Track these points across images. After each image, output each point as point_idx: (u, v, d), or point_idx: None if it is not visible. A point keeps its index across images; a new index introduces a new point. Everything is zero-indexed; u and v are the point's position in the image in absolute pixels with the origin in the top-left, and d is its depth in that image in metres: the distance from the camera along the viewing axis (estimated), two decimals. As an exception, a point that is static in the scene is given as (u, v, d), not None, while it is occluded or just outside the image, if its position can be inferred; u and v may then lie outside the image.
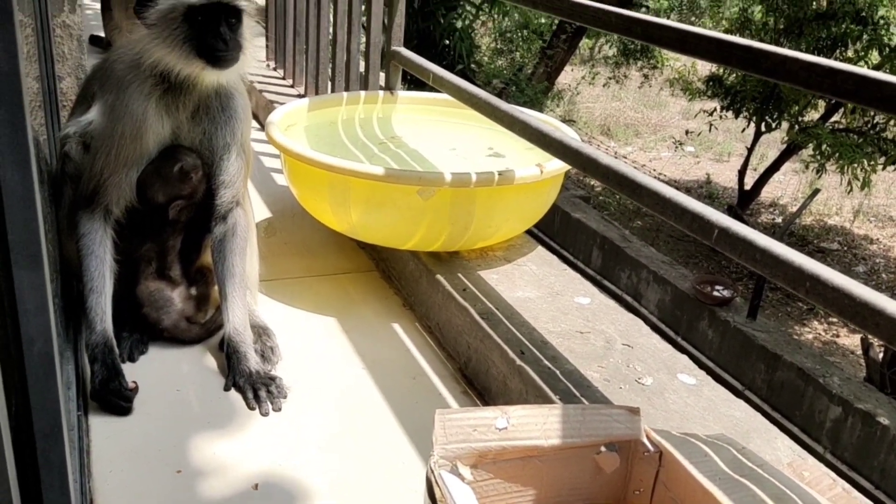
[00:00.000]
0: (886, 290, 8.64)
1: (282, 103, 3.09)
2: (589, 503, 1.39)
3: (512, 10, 11.24)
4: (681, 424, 1.65)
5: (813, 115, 10.19)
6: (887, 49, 9.21)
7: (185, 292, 2.08)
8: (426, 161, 2.77)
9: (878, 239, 10.85)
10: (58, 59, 2.66)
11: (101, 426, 1.76)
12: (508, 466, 1.33)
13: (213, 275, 2.08)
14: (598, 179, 1.85)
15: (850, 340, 8.24)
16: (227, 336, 1.97)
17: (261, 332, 2.08)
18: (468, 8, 9.88)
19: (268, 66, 4.63)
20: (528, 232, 2.62)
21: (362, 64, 3.44)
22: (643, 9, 14.19)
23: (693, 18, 16.49)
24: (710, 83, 10.55)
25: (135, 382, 1.85)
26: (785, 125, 9.84)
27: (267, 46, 4.70)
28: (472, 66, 9.78)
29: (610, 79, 14.75)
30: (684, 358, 1.95)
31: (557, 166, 2.31)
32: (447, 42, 9.34)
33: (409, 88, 4.22)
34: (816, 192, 7.45)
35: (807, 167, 9.92)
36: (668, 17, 16.60)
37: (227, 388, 1.92)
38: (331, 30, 3.71)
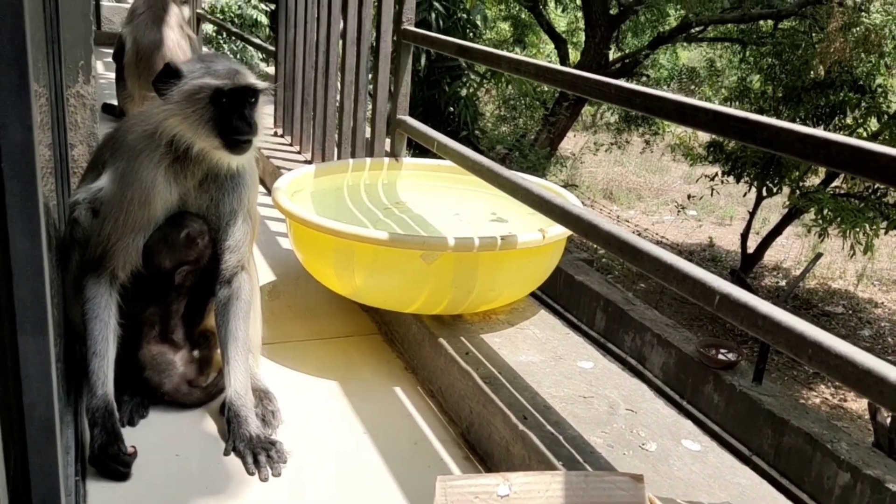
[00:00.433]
0: (893, 354, 8.56)
1: (289, 169, 3.15)
2: (593, 574, 1.36)
3: (515, 79, 11.50)
4: (685, 492, 1.63)
5: (814, 180, 10.29)
6: (886, 116, 9.36)
7: (188, 356, 2.09)
8: (430, 226, 2.81)
9: (882, 302, 10.82)
10: (70, 127, 2.72)
11: (100, 492, 1.74)
12: (510, 535, 1.31)
13: (216, 338, 2.08)
14: (600, 245, 1.87)
15: (858, 405, 8.13)
16: (229, 400, 1.96)
17: (262, 395, 2.08)
18: (472, 77, 10.12)
19: (275, 132, 4.72)
20: (532, 295, 2.63)
21: (368, 131, 3.51)
22: (644, 77, 14.51)
23: (693, 87, 16.82)
24: (711, 149, 10.71)
25: (134, 447, 1.84)
26: (786, 190, 9.93)
27: (275, 114, 4.81)
28: (476, 132, 9.96)
29: (612, 144, 14.97)
30: (689, 423, 1.93)
31: (560, 231, 2.34)
32: (452, 109, 9.53)
33: (414, 155, 4.29)
34: (819, 256, 7.48)
35: (809, 231, 9.97)
36: (668, 86, 16.95)
37: (226, 453, 1.91)
38: (338, 98, 3.80)
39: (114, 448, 1.80)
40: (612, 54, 13.56)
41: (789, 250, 12.26)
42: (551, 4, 14.55)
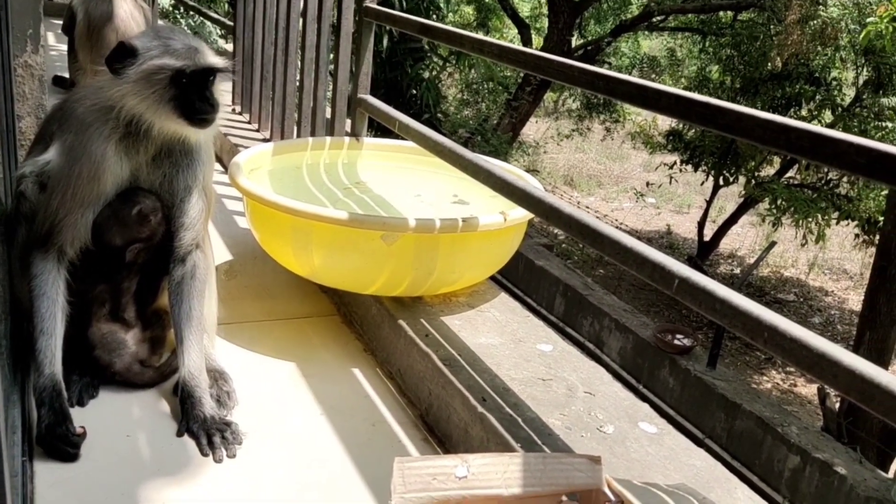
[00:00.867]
0: (842, 342, 8.81)
1: (247, 147, 3.09)
2: (549, 555, 1.36)
3: (478, 62, 11.48)
4: (642, 473, 1.64)
5: (769, 171, 10.50)
6: (840, 109, 9.57)
7: (140, 335, 2.03)
8: (390, 207, 2.78)
9: (832, 291, 11.11)
10: (18, 98, 2.62)
11: (47, 472, 1.69)
12: (468, 516, 1.30)
13: (170, 317, 2.04)
14: (561, 228, 1.87)
15: (808, 390, 8.36)
16: (182, 380, 1.92)
17: (217, 376, 2.04)
18: (435, 59, 10.06)
19: (233, 110, 4.63)
20: (492, 278, 2.62)
21: (329, 110, 3.46)
22: (605, 66, 14.60)
23: (653, 76, 16.99)
24: (671, 137, 10.85)
25: (83, 427, 1.79)
26: (742, 179, 10.11)
27: (233, 91, 4.71)
28: (439, 115, 9.92)
29: (573, 131, 15.07)
30: (645, 406, 1.95)
31: (521, 214, 2.33)
32: (414, 92, 9.47)
33: (375, 135, 4.25)
34: (773, 244, 7.63)
35: (763, 220, 10.18)
36: (630, 74, 17.08)
37: (179, 434, 1.87)
38: (298, 76, 3.74)
39: (62, 428, 1.75)
40: (575, 41, 13.62)
41: (744, 239, 12.50)
42: (515, -11, 14.54)
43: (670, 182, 11.39)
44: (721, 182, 10.41)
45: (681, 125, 10.37)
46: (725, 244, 11.84)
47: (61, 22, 4.76)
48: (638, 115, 13.93)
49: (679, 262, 1.56)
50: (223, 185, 3.29)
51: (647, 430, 1.82)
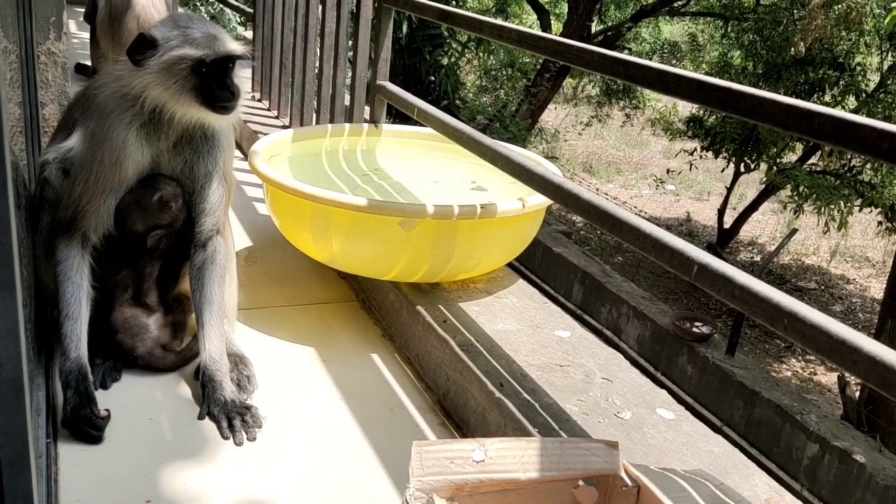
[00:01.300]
0: (863, 330, 8.72)
1: (266, 134, 3.10)
2: (566, 539, 1.37)
3: (497, 48, 11.42)
4: (659, 459, 1.64)
5: (791, 157, 10.37)
6: (864, 94, 9.42)
7: (162, 319, 2.06)
8: (409, 193, 2.78)
9: (854, 279, 10.99)
10: (41, 85, 2.65)
11: (71, 454, 1.73)
12: (485, 500, 1.31)
13: (191, 302, 2.06)
14: (580, 214, 1.86)
15: (828, 378, 8.29)
16: (203, 364, 1.95)
17: (237, 360, 2.06)
18: (454, 46, 10.02)
19: (253, 97, 4.65)
20: (510, 265, 2.62)
21: (348, 97, 3.46)
22: (625, 51, 14.46)
23: (674, 62, 16.81)
24: (691, 124, 10.73)
25: (107, 410, 1.82)
26: (763, 166, 10.00)
27: (253, 78, 4.73)
28: (457, 102, 9.90)
29: (593, 118, 14.96)
30: (663, 393, 1.94)
31: (539, 201, 2.33)
32: (433, 78, 9.45)
33: (393, 122, 4.24)
34: (794, 231, 7.56)
35: (785, 207, 10.07)
36: (650, 60, 16.90)
37: (200, 417, 1.90)
38: (317, 63, 3.74)
39: (86, 411, 1.78)
40: (595, 27, 13.49)
41: (765, 226, 12.38)
42: (535, -26, 14.39)
43: (690, 169, 11.29)
44: (742, 169, 10.30)
45: (701, 111, 10.27)
46: (746, 231, 11.73)
47: (83, 10, 4.81)
48: (658, 102, 13.80)
49: (699, 248, 1.55)
50: (243, 172, 3.31)
51: (664, 416, 1.83)
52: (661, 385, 2.13)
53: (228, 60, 1.87)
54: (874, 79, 9.85)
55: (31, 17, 2.49)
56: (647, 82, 1.71)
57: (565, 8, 14.12)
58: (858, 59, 9.55)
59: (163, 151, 1.95)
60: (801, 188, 8.93)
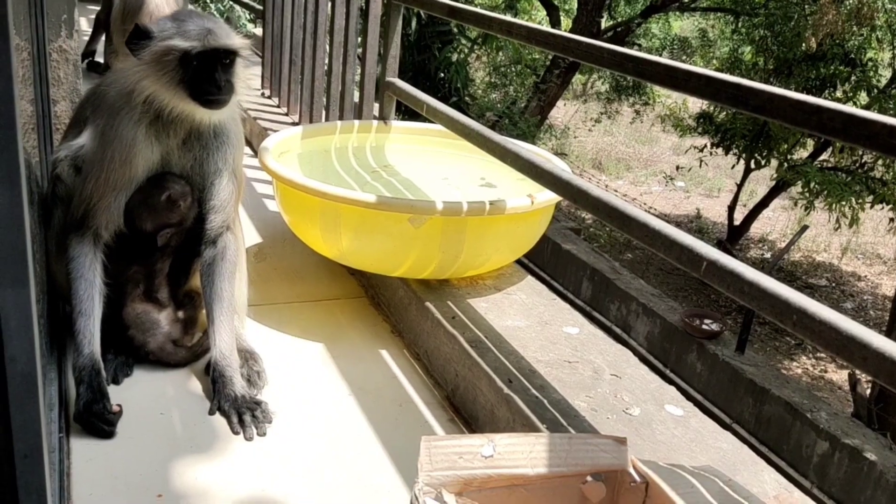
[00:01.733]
0: (874, 327, 8.67)
1: (276, 130, 3.11)
2: (574, 534, 1.37)
3: (506, 45, 11.39)
4: (668, 455, 1.64)
5: (802, 154, 10.31)
6: (875, 90, 9.36)
7: (173, 315, 2.07)
8: (418, 190, 2.79)
9: (865, 276, 10.93)
10: (53, 83, 2.67)
11: (84, 449, 1.74)
12: (494, 495, 1.32)
13: (201, 298, 2.07)
14: (589, 211, 1.86)
15: (838, 376, 8.25)
16: (214, 360, 1.96)
17: (248, 356, 2.07)
18: (463, 42, 10.01)
19: (262, 93, 4.66)
20: (519, 262, 2.63)
21: (357, 94, 3.47)
22: (635, 47, 14.41)
23: (684, 57, 16.72)
24: (701, 120, 10.68)
25: (119, 405, 1.84)
26: (774, 162, 9.94)
27: (262, 75, 4.74)
28: (466, 98, 9.88)
29: (602, 114, 14.91)
30: (672, 389, 1.94)
31: (548, 197, 2.33)
32: (442, 75, 9.43)
33: (402, 119, 4.25)
34: (805, 228, 7.51)
35: (795, 204, 10.00)
36: (660, 56, 16.83)
37: (211, 412, 1.91)
38: (326, 60, 3.75)
39: (99, 406, 1.79)
40: (604, 23, 13.44)
41: (775, 223, 12.32)
42: (544, -30, 14.36)
43: (700, 165, 11.24)
44: (752, 165, 10.24)
45: (711, 107, 10.22)
46: (756, 228, 11.67)
47: (95, 7, 4.84)
48: (668, 98, 13.74)
49: (708, 245, 1.55)
50: (253, 169, 3.32)
51: (673, 412, 1.83)
52: (670, 382, 2.13)
53: (219, 54, 1.86)
54: (886, 74, 9.78)
55: (43, 15, 2.51)
56: (656, 78, 1.71)
57: (575, 4, 14.08)
58: (870, 54, 9.48)
59: (172, 148, 1.96)
60: (812, 185, 8.88)
